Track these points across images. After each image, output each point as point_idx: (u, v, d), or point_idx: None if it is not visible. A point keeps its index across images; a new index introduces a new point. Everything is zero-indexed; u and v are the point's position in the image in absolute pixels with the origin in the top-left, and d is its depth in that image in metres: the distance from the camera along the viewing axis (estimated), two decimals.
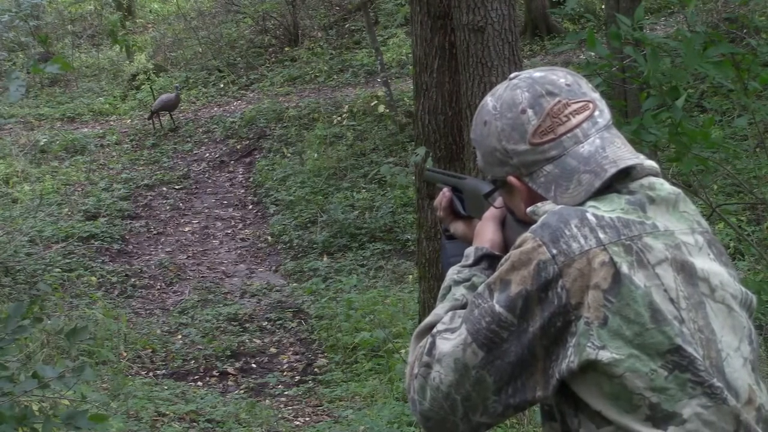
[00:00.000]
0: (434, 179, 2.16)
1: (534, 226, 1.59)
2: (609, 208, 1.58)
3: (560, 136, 1.64)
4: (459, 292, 1.71)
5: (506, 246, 1.75)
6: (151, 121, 14.63)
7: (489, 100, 1.72)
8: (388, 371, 7.37)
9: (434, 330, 1.65)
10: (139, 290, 10.01)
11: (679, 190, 1.66)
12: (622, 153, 1.64)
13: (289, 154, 13.08)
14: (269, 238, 11.21)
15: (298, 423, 6.97)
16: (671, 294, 1.54)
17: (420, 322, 6.99)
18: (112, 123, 15.28)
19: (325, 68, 15.66)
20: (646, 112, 3.73)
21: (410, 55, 7.90)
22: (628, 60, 3.68)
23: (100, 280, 10.01)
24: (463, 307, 1.67)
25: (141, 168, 13.46)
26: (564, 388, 1.57)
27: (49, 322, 7.40)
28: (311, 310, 9.13)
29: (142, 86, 16.19)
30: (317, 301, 9.25)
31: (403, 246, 10.20)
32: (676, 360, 1.52)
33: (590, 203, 1.60)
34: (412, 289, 8.60)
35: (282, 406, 7.39)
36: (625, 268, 1.53)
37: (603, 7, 13.52)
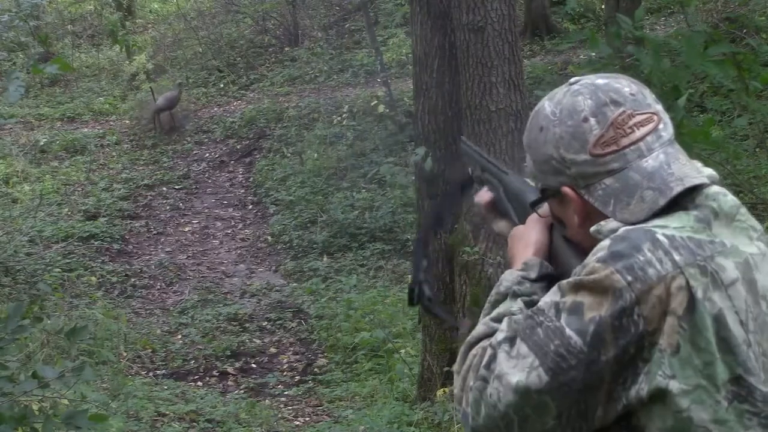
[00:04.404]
0: (470, 158, 1.96)
1: (602, 255, 1.49)
2: (678, 225, 1.52)
3: (623, 148, 1.56)
4: (517, 305, 1.62)
5: (551, 257, 1.69)
6: (154, 121, 14.57)
7: (546, 105, 1.63)
8: (388, 371, 7.37)
9: (494, 340, 1.57)
10: (139, 290, 10.00)
11: (739, 202, 1.60)
12: (688, 170, 1.57)
13: (289, 154, 13.07)
14: (269, 238, 11.20)
15: (298, 423, 6.97)
16: (741, 316, 1.50)
17: (420, 321, 6.96)
18: (112, 123, 15.27)
19: (325, 68, 15.66)
20: None
21: (410, 55, 7.89)
22: (629, 59, 3.68)
23: (100, 280, 10.01)
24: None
25: (141, 168, 13.45)
26: (619, 419, 1.51)
27: (49, 322, 7.39)
28: (311, 310, 9.13)
29: (142, 86, 16.19)
30: (317, 301, 9.25)
31: (403, 246, 10.20)
32: (735, 390, 1.48)
33: (656, 221, 1.53)
34: None
35: (282, 406, 7.39)
36: (699, 294, 1.47)
37: (603, 7, 13.52)
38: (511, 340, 1.54)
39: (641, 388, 1.46)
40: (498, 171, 1.91)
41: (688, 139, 3.55)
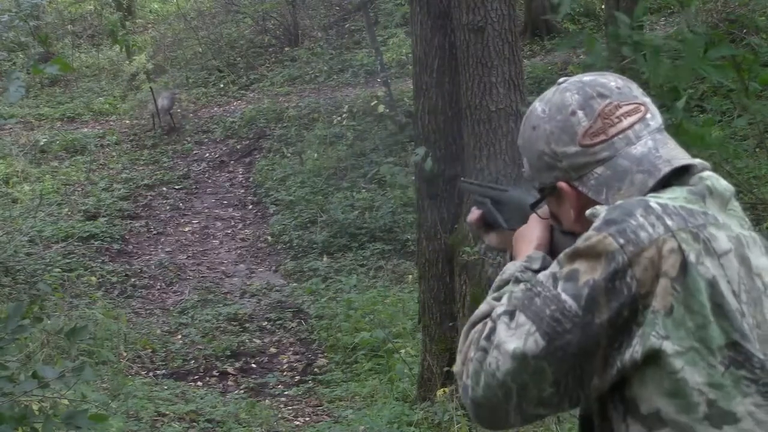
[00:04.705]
0: (471, 191, 2.09)
1: (596, 224, 1.54)
2: (672, 196, 1.56)
3: (612, 137, 1.62)
4: (519, 288, 1.65)
5: (552, 254, 1.72)
6: (158, 121, 14.53)
7: (537, 105, 1.70)
8: (388, 371, 7.37)
9: (494, 314, 1.61)
10: (139, 290, 10.01)
11: (732, 188, 1.64)
12: (677, 153, 1.63)
13: (289, 154, 13.08)
14: (269, 238, 11.21)
15: (298, 423, 6.98)
16: (734, 286, 1.52)
17: (420, 321, 6.93)
18: (112, 123, 15.27)
19: (325, 68, 15.67)
20: None
21: (410, 55, 7.90)
22: (627, 61, 3.68)
23: (100, 280, 10.01)
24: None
25: (141, 168, 13.45)
26: (612, 390, 1.54)
27: (49, 322, 7.39)
28: (311, 310, 9.13)
29: (142, 86, 16.19)
30: (317, 301, 9.25)
31: (403, 246, 10.20)
32: (732, 356, 1.50)
33: (651, 194, 1.57)
34: (411, 289, 8.60)
35: (282, 406, 7.40)
36: (692, 257, 1.50)
37: (603, 7, 13.52)
38: (510, 314, 1.57)
39: (636, 350, 1.49)
40: (488, 189, 2.00)
41: (688, 140, 3.55)
